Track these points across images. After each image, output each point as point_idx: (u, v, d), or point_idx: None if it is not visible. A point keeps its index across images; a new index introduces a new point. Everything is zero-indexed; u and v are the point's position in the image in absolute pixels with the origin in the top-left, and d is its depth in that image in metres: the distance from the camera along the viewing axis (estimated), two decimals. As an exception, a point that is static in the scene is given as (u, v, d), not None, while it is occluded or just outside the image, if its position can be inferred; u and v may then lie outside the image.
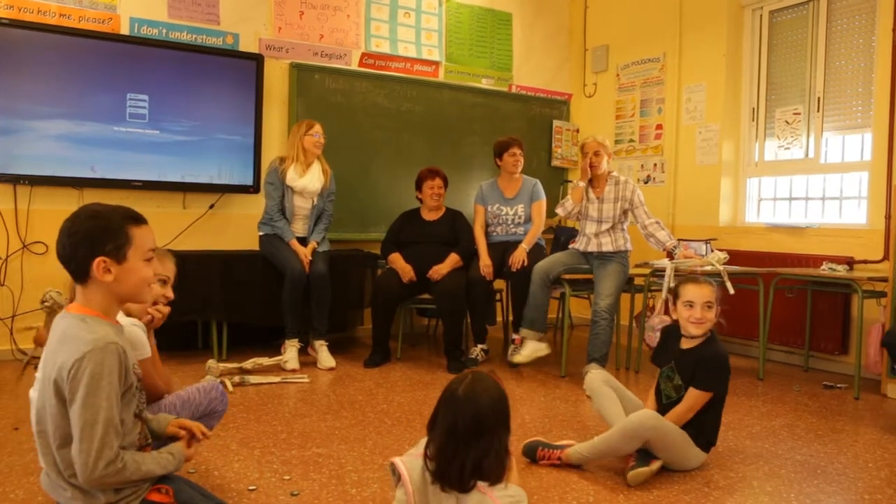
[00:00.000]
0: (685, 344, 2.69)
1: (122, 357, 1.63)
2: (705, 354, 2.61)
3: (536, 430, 3.02)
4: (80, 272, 1.65)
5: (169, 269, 2.17)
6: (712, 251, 4.28)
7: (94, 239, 1.63)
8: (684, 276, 2.89)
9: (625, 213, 4.21)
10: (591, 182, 4.27)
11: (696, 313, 2.61)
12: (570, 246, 4.34)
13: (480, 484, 1.98)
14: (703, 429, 2.58)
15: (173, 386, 2.25)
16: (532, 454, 2.65)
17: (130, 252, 1.66)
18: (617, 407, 2.71)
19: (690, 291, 2.65)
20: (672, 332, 2.78)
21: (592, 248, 4.20)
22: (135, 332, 1.99)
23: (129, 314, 2.05)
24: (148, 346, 2.02)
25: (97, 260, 1.62)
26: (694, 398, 2.55)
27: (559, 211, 4.36)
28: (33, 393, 1.99)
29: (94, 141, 4.29)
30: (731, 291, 3.88)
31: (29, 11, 4.14)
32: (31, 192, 4.20)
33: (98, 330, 1.62)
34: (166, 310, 2.20)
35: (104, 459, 1.57)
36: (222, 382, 3.51)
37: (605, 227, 4.18)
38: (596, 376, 2.85)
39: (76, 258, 1.64)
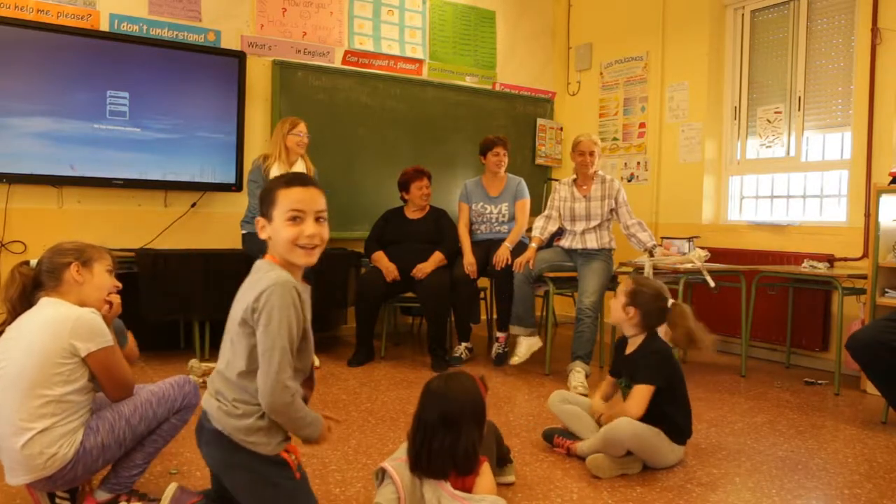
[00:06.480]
0: (628, 349, 2.78)
1: (296, 296, 1.78)
2: (643, 352, 2.69)
3: (521, 428, 3.02)
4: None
5: (110, 261, 2.20)
6: (694, 249, 4.30)
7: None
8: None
9: (611, 211, 4.23)
10: (576, 181, 4.29)
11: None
12: (555, 244, 4.35)
13: (460, 494, 2.00)
14: (675, 422, 2.61)
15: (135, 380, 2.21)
16: (550, 439, 2.77)
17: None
18: (583, 419, 2.77)
19: None
20: (620, 344, 2.87)
21: (577, 245, 4.21)
22: (95, 321, 1.98)
23: (84, 305, 2.03)
24: (109, 334, 2.01)
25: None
26: (635, 391, 2.60)
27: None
28: None
29: (74, 139, 4.24)
30: (712, 284, 3.90)
31: (6, 7, 4.08)
32: (8, 191, 4.14)
33: (279, 272, 1.80)
34: (118, 298, 2.25)
35: (280, 383, 1.72)
36: (205, 382, 3.47)
37: (593, 223, 4.20)
38: (553, 398, 2.89)
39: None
